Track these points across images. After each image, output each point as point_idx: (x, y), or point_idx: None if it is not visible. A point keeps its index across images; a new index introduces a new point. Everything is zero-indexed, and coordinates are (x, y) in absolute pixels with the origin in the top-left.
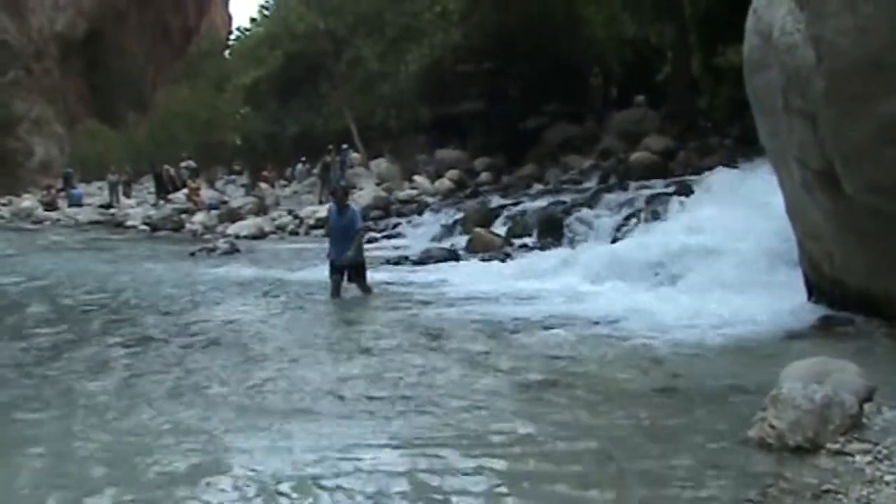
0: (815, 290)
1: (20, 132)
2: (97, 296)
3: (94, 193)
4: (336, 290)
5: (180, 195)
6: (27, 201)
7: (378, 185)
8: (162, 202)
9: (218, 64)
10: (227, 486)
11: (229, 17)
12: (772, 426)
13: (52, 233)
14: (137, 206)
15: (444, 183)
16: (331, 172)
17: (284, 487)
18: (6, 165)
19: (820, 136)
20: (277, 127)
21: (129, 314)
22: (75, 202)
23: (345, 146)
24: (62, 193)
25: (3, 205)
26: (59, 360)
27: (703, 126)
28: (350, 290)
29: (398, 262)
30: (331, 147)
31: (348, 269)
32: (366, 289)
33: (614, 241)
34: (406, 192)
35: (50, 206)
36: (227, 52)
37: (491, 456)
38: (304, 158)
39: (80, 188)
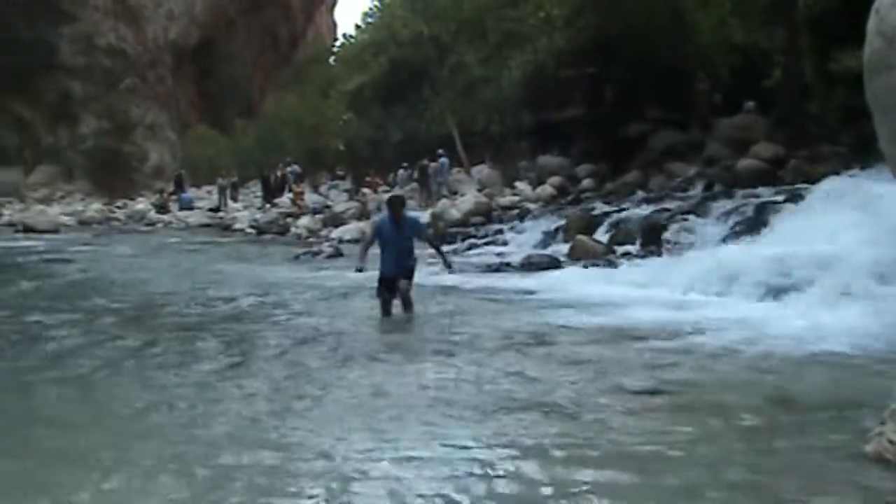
0: None
1: (136, 137)
2: (219, 298)
3: (203, 197)
4: (387, 309)
5: (286, 199)
6: (141, 204)
7: (480, 191)
8: (268, 206)
9: (323, 70)
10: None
11: (334, 24)
12: (891, 441)
13: (165, 235)
14: (244, 210)
15: (546, 189)
16: (429, 178)
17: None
18: (122, 169)
19: None
20: (381, 132)
21: (253, 317)
22: (186, 206)
23: (440, 151)
24: (173, 197)
25: (119, 207)
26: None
27: (815, 133)
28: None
29: (499, 268)
30: (440, 151)
31: (403, 276)
32: (409, 304)
33: (720, 249)
34: (508, 199)
35: (162, 209)
36: (332, 59)
37: (593, 465)
38: (405, 164)
39: (190, 192)
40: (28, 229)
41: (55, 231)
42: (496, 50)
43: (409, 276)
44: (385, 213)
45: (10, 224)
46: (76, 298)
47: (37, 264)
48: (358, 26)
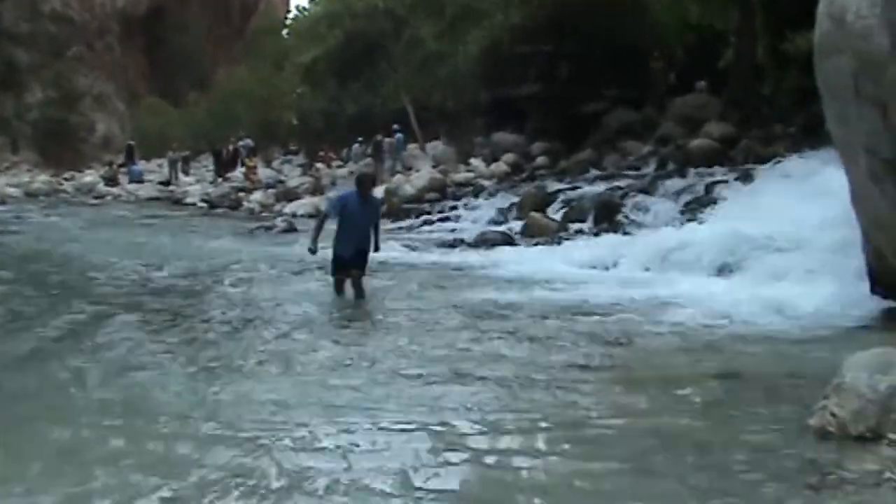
0: (879, 280)
1: (82, 108)
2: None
3: (153, 170)
4: (341, 288)
5: (238, 173)
6: (89, 176)
7: (434, 167)
8: (220, 180)
9: (276, 42)
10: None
11: None
12: (833, 415)
13: (115, 208)
14: (196, 184)
15: (501, 166)
16: (384, 153)
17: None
18: (69, 140)
19: (891, 124)
20: (335, 106)
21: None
22: (135, 178)
23: (395, 126)
24: (123, 169)
25: (67, 179)
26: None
27: (766, 113)
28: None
29: (453, 244)
30: (396, 127)
31: (358, 264)
32: (362, 292)
33: (672, 227)
34: (462, 175)
35: (111, 181)
36: (285, 32)
37: (542, 439)
38: (360, 139)
39: (140, 164)
40: None
41: (1, 202)
42: (452, 24)
43: (364, 262)
44: (352, 189)
45: None
46: (20, 272)
47: None
48: None
